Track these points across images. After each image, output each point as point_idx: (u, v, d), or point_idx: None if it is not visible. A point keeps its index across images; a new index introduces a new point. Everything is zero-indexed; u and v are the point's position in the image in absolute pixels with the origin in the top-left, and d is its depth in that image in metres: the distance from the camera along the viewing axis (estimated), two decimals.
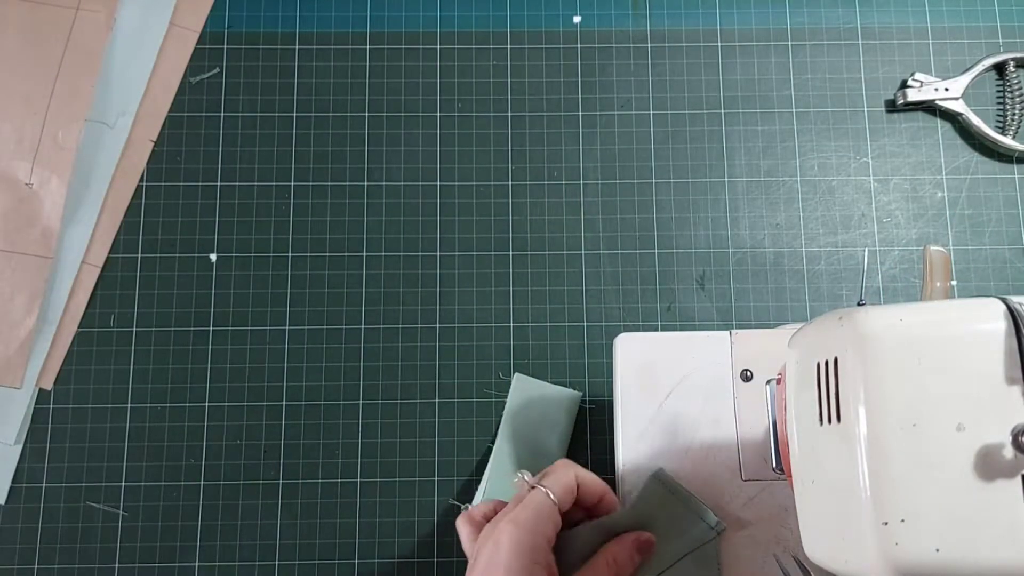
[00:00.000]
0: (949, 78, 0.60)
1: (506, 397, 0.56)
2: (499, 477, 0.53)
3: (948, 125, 0.61)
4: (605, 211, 0.59)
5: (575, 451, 0.56)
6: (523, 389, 0.56)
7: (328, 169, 0.60)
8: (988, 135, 0.59)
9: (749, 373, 0.46)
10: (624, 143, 0.60)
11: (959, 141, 0.61)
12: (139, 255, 0.59)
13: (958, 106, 0.60)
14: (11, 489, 0.56)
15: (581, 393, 0.56)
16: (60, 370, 0.57)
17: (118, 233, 0.59)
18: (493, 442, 0.55)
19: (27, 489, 0.56)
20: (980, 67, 0.60)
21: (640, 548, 0.42)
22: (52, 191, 0.58)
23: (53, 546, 0.55)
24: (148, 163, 0.60)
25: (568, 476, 0.42)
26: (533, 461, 0.54)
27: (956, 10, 0.62)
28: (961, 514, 0.27)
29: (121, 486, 0.56)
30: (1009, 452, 0.27)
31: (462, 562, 0.54)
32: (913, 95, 0.60)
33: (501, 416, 0.56)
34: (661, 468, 0.44)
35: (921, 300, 0.42)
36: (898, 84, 0.61)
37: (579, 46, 0.62)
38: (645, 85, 0.61)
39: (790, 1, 0.62)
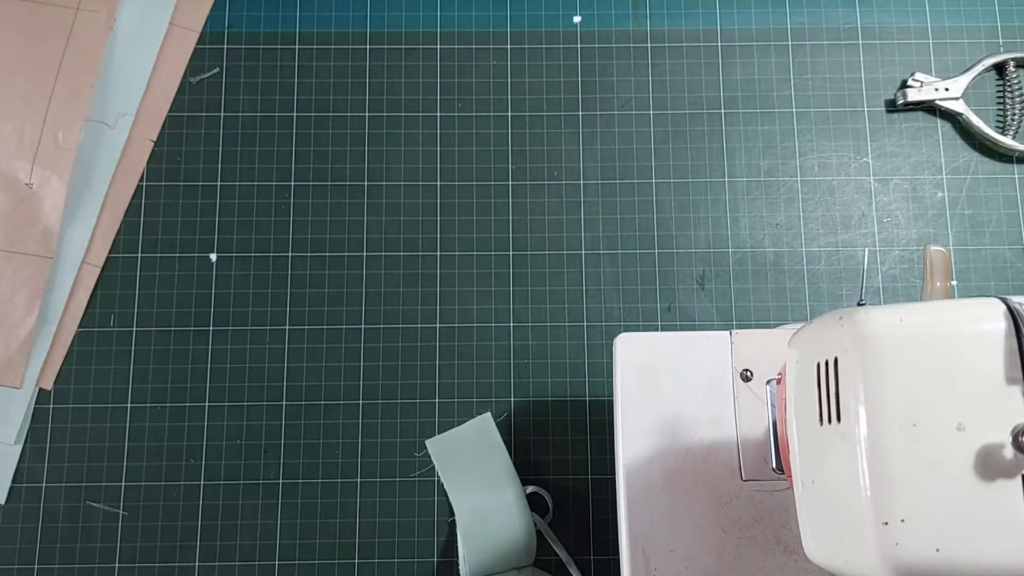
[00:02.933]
0: (949, 78, 0.60)
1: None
2: (472, 536, 0.53)
3: (948, 125, 0.61)
4: (605, 211, 0.59)
5: (576, 453, 0.56)
6: (440, 450, 0.55)
7: (328, 169, 0.60)
8: (988, 135, 0.59)
9: (749, 373, 0.46)
10: (624, 143, 0.60)
11: (959, 141, 0.61)
12: (139, 255, 0.59)
13: (958, 106, 0.60)
14: (11, 489, 0.55)
15: (489, 412, 0.56)
16: (60, 370, 0.57)
17: (118, 233, 0.59)
18: (452, 515, 0.55)
19: (27, 489, 0.56)
20: (980, 67, 0.60)
21: None
22: (52, 191, 0.58)
23: (53, 546, 0.55)
24: (148, 163, 0.60)
25: None
26: (495, 495, 0.54)
27: (956, 10, 0.62)
28: (961, 514, 0.27)
29: (121, 486, 0.56)
30: (1009, 452, 0.27)
31: None
32: (913, 95, 0.60)
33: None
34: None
35: (921, 300, 0.42)
36: (898, 84, 0.61)
37: (579, 46, 0.62)
38: (645, 85, 0.61)
39: (790, 1, 0.62)
